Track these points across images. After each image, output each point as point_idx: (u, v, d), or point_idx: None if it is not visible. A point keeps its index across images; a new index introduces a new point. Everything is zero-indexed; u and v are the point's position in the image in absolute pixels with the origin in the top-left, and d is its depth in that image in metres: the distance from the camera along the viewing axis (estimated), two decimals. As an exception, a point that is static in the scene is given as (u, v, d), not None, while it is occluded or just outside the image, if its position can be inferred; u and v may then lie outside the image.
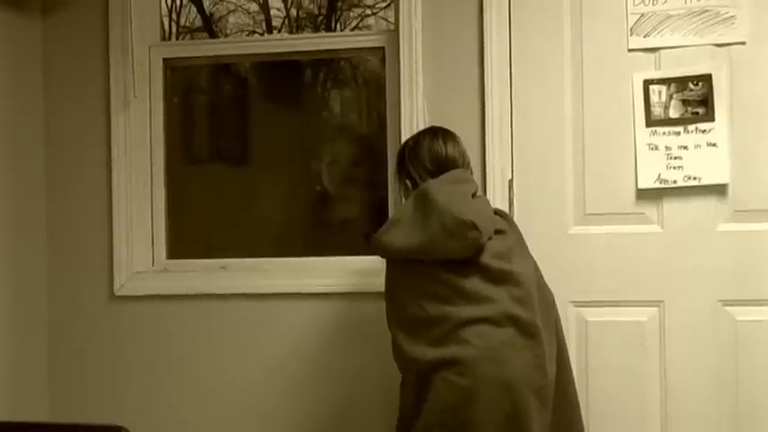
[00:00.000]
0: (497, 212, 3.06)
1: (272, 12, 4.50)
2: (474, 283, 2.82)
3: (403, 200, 3.08)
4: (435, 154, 3.00)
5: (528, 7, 3.42)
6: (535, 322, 2.83)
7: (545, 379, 2.82)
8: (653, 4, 3.33)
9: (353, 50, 3.86)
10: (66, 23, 3.71)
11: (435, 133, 3.07)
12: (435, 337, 2.80)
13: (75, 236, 3.70)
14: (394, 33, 3.54)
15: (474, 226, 2.78)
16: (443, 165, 2.99)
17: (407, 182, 3.02)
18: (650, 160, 3.31)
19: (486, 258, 2.84)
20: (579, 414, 3.04)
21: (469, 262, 2.83)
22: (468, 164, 3.08)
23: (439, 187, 2.89)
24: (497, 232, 2.93)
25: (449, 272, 2.83)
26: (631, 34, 3.35)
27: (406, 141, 3.14)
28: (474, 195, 2.96)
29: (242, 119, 4.28)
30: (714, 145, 3.27)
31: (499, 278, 2.84)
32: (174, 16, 4.41)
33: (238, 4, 4.45)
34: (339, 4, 4.36)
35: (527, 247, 3.05)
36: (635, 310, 3.34)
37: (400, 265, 2.93)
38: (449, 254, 2.82)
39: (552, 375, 2.86)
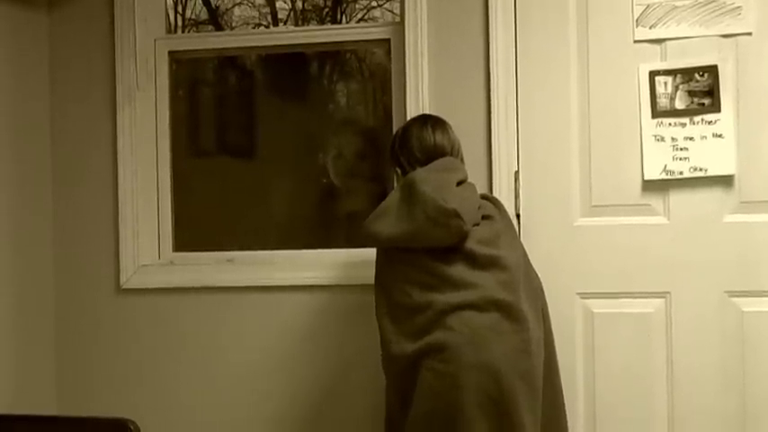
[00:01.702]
0: (487, 198, 3.10)
1: (278, 4, 4.50)
2: (459, 270, 2.85)
3: (395, 178, 3.13)
4: (424, 142, 3.03)
5: (533, -1, 3.42)
6: (520, 306, 2.86)
7: (530, 363, 2.84)
8: (659, -5, 3.33)
9: (359, 43, 3.86)
10: (71, 17, 3.72)
11: (425, 121, 3.10)
12: (420, 325, 2.83)
13: (82, 229, 3.70)
14: (399, 26, 3.54)
15: (456, 214, 2.81)
16: (431, 153, 3.01)
17: (397, 170, 3.06)
18: (656, 152, 3.30)
19: (471, 244, 2.87)
20: (563, 401, 3.06)
21: (454, 249, 2.87)
22: (459, 151, 3.10)
23: (424, 176, 2.91)
24: (485, 218, 2.97)
25: (435, 259, 2.87)
26: (637, 25, 3.34)
27: (397, 131, 3.17)
28: (460, 183, 2.97)
29: (248, 112, 4.28)
30: (720, 136, 3.26)
31: (485, 263, 2.87)
32: (179, 9, 4.41)
33: (244, -4, 4.46)
34: (345, -4, 4.37)
35: (516, 234, 3.10)
36: (641, 302, 3.33)
37: (388, 254, 2.97)
38: (434, 242, 2.85)
39: (539, 359, 2.88)
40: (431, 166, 2.97)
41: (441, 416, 2.79)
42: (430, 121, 3.09)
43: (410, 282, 2.88)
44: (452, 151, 3.06)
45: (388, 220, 2.90)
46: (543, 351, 2.93)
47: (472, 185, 3.06)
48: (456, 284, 2.84)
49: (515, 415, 2.78)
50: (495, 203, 3.09)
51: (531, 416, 2.83)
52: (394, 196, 2.95)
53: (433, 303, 2.83)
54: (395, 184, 3.12)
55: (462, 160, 3.10)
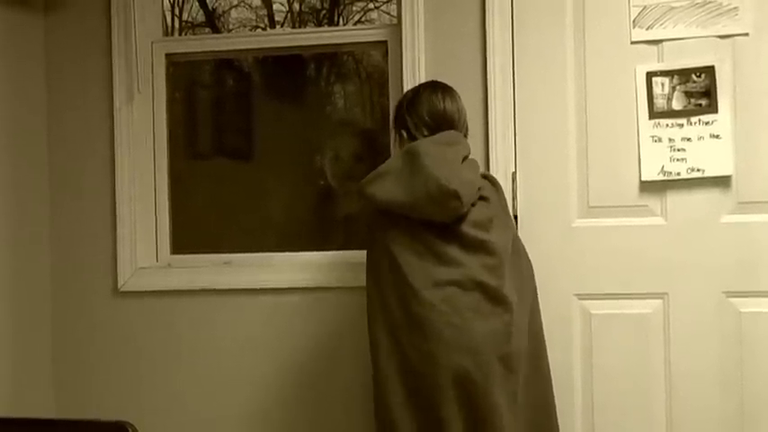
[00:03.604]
0: (486, 177, 3.11)
1: (275, 6, 4.50)
2: (448, 248, 2.88)
3: (397, 144, 3.13)
4: (434, 108, 3.03)
5: (530, 1, 3.41)
6: (503, 291, 2.88)
7: (510, 346, 2.86)
8: (655, -4, 3.33)
9: (356, 45, 3.86)
10: (68, 20, 3.72)
11: (435, 87, 3.10)
12: (403, 294, 2.87)
13: (79, 232, 3.70)
14: (397, 27, 3.54)
15: (456, 195, 2.82)
16: (440, 119, 3.02)
17: (403, 132, 3.06)
18: (653, 152, 3.31)
19: (464, 226, 2.90)
20: (551, 388, 3.07)
21: (447, 226, 2.89)
22: (465, 121, 3.10)
23: (429, 149, 2.91)
24: (482, 198, 2.98)
25: (427, 231, 2.89)
26: (634, 26, 3.34)
27: (406, 93, 3.18)
28: (464, 159, 2.98)
29: (245, 114, 4.28)
30: (717, 137, 3.27)
31: (473, 246, 2.89)
32: (176, 11, 4.41)
33: (241, -2, 4.46)
34: (341, -2, 4.37)
35: (510, 216, 3.12)
36: (639, 303, 3.33)
37: (381, 215, 2.97)
38: (428, 217, 2.88)
39: (520, 345, 2.90)
40: (437, 138, 2.97)
41: (418, 393, 2.84)
42: (440, 87, 3.09)
43: (400, 244, 2.90)
44: (460, 119, 3.07)
45: (387, 184, 2.91)
46: (527, 337, 2.95)
47: (475, 163, 3.07)
48: (443, 260, 2.87)
49: (491, 396, 2.81)
50: (494, 183, 3.10)
51: (507, 399, 2.85)
52: (395, 161, 2.95)
53: (418, 272, 2.86)
54: (395, 148, 3.13)
55: (467, 130, 3.12)
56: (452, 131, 3.02)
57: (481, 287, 2.86)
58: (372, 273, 3.00)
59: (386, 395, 2.90)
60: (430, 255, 2.88)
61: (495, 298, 2.87)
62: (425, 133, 3.00)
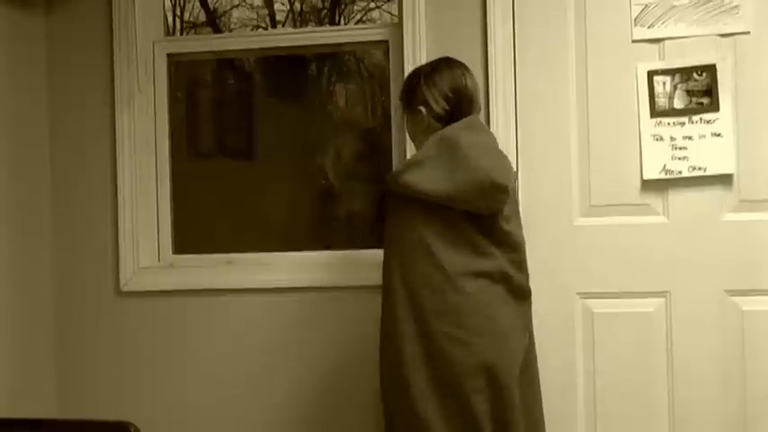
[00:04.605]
0: None
1: (276, 6, 4.51)
2: (481, 239, 2.86)
3: (407, 126, 3.08)
4: (456, 83, 2.96)
5: (532, 0, 3.42)
6: (528, 287, 2.92)
7: (526, 341, 2.91)
8: (657, -5, 3.33)
9: (357, 44, 3.84)
10: (69, 19, 3.71)
11: (451, 63, 3.03)
12: (437, 282, 2.83)
13: (81, 231, 3.70)
14: (398, 27, 3.54)
15: (505, 189, 2.83)
16: (462, 94, 2.96)
17: (422, 108, 2.96)
18: (655, 151, 3.31)
19: (498, 219, 2.88)
20: (540, 392, 3.06)
21: (481, 218, 2.86)
22: (479, 103, 3.06)
23: (470, 139, 2.88)
24: None
25: (463, 221, 2.85)
26: (635, 25, 3.34)
27: (419, 68, 3.08)
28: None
29: (246, 113, 4.29)
30: (719, 135, 3.27)
31: (502, 239, 2.89)
32: (177, 11, 4.42)
33: (242, -2, 4.47)
34: (343, -3, 4.37)
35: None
36: (641, 302, 3.33)
37: (413, 204, 2.88)
38: (471, 208, 2.84)
39: (531, 340, 2.95)
40: (467, 124, 2.93)
41: (445, 381, 2.82)
42: (456, 63, 3.03)
43: (434, 234, 2.85)
44: (478, 97, 3.03)
45: (425, 173, 2.85)
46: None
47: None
48: (477, 251, 2.85)
49: (512, 389, 2.82)
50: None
51: (520, 391, 2.87)
52: (430, 149, 2.89)
53: (453, 262, 2.83)
54: (404, 124, 3.06)
55: (480, 109, 3.08)
56: (474, 116, 2.99)
57: (506, 280, 2.87)
58: (398, 261, 2.90)
59: (409, 384, 2.85)
60: (465, 245, 2.85)
61: (517, 293, 2.89)
62: (446, 108, 2.93)
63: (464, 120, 2.93)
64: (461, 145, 2.85)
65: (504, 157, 2.97)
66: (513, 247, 2.92)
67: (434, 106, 2.94)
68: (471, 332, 2.81)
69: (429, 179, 2.84)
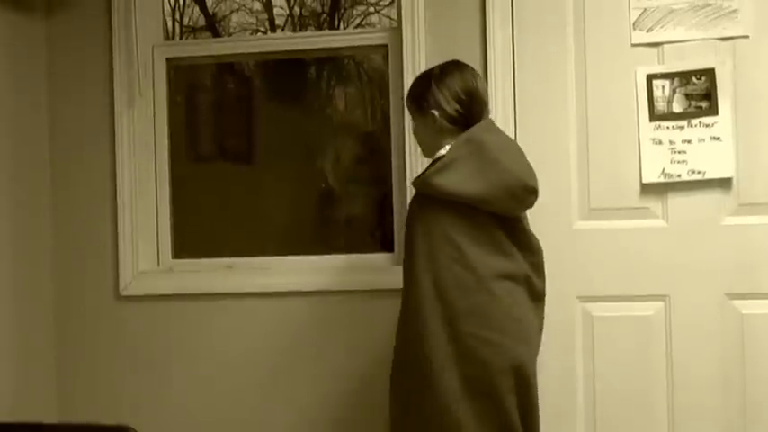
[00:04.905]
0: None
1: (276, 10, 4.51)
2: (506, 241, 2.87)
3: (416, 129, 3.03)
4: (468, 85, 2.94)
5: (530, 3, 3.42)
6: (544, 290, 2.94)
7: (539, 344, 2.94)
8: (656, -1, 3.34)
9: (357, 48, 3.85)
10: (69, 23, 3.72)
11: (461, 65, 3.01)
12: (466, 282, 2.82)
13: (81, 235, 3.70)
14: (397, 31, 3.54)
15: (535, 192, 2.85)
16: (474, 96, 2.93)
17: (434, 111, 2.92)
18: (654, 155, 3.31)
19: (522, 222, 2.91)
20: None
21: (507, 220, 2.87)
22: (489, 106, 3.05)
23: (497, 141, 2.89)
24: None
25: (490, 223, 2.86)
26: (634, 29, 3.34)
27: (428, 72, 3.05)
28: None
29: (246, 118, 4.28)
30: (718, 139, 3.27)
31: (523, 242, 2.90)
32: (177, 16, 4.42)
33: (241, 3, 4.46)
34: (342, 1, 4.37)
35: None
36: (640, 305, 3.34)
37: (441, 205, 2.87)
38: (501, 210, 2.85)
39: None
40: (488, 126, 2.93)
41: (477, 381, 2.81)
42: (464, 66, 3.00)
43: (463, 235, 2.84)
44: (488, 101, 3.01)
45: (455, 175, 2.83)
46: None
47: None
48: (504, 252, 2.86)
49: (535, 389, 2.86)
50: None
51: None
52: (458, 151, 2.86)
53: (484, 264, 2.83)
54: (419, 126, 3.01)
55: (489, 112, 3.06)
56: (490, 119, 2.99)
57: (527, 283, 2.88)
58: (426, 262, 2.87)
59: (442, 384, 2.83)
60: (492, 246, 2.85)
61: (536, 295, 2.91)
62: (459, 109, 2.90)
63: (482, 123, 2.93)
64: (489, 147, 2.85)
65: (529, 163, 2.95)
66: (533, 250, 2.92)
67: (447, 108, 2.91)
68: (501, 333, 2.81)
69: (461, 181, 2.82)
